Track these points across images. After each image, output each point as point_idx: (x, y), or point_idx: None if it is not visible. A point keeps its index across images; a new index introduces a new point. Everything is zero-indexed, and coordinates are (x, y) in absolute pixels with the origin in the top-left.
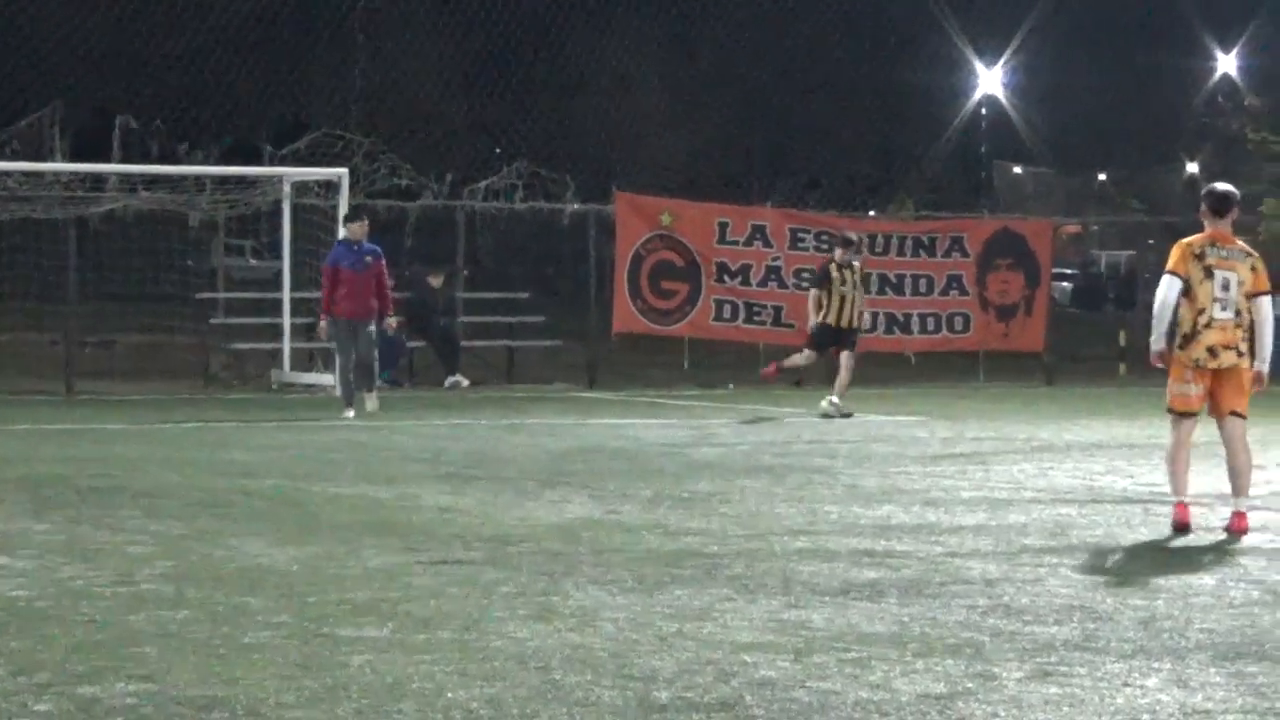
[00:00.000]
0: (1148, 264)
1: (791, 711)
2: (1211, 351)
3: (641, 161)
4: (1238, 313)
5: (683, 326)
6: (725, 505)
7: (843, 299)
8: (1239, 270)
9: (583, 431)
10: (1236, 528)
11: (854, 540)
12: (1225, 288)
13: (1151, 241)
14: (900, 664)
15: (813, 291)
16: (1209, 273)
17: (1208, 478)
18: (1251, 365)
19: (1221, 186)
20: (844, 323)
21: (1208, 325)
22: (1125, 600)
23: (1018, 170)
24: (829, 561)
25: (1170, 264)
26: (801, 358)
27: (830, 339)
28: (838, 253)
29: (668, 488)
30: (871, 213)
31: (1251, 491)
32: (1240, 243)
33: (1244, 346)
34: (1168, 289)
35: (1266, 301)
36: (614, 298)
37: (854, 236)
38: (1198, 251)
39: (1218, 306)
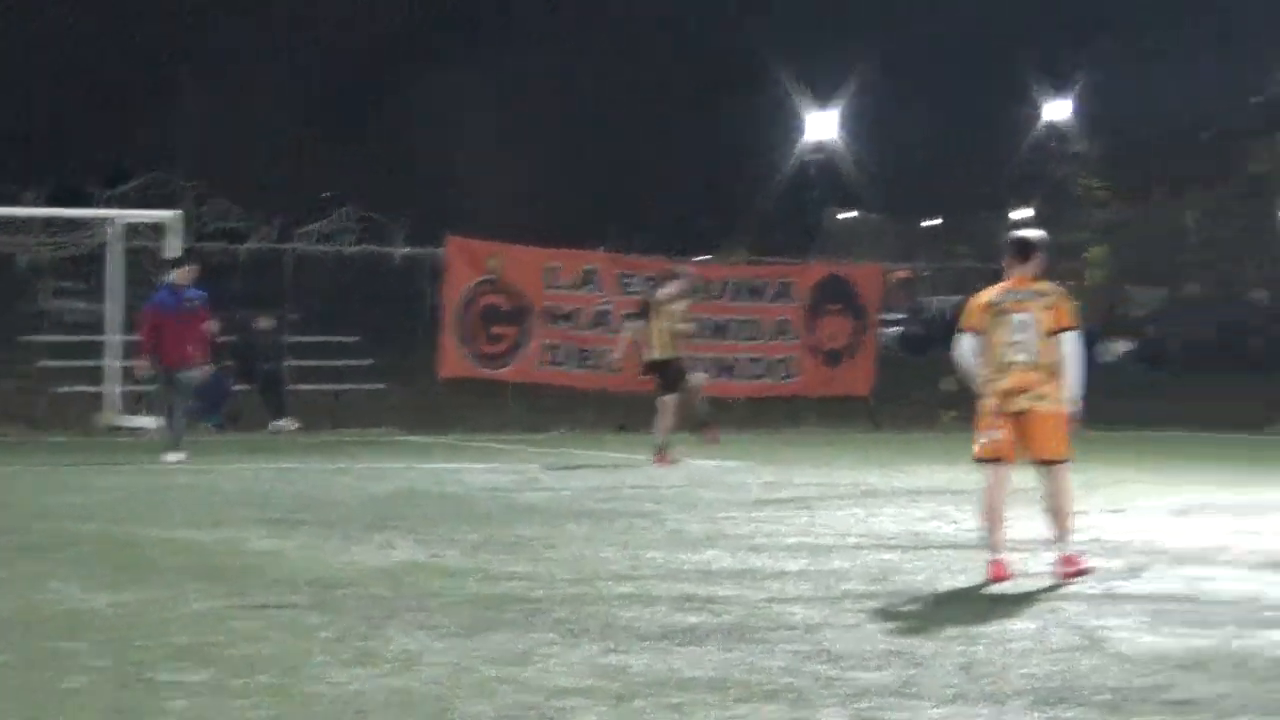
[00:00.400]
0: None
1: None
2: (1009, 396)
3: (472, 206)
4: (1037, 354)
5: (510, 370)
6: (549, 550)
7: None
8: (1034, 311)
9: (410, 475)
10: (1066, 572)
11: (677, 585)
12: (1021, 330)
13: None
14: (720, 709)
15: (631, 324)
16: (1004, 318)
17: (1031, 523)
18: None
19: (1024, 232)
20: (664, 354)
21: (1005, 369)
22: (945, 646)
23: (848, 216)
24: (651, 606)
25: (962, 322)
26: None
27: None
28: (673, 287)
29: (493, 532)
30: (701, 257)
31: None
32: (1042, 284)
33: (1047, 389)
34: (958, 348)
35: (1069, 338)
36: (441, 341)
37: (684, 273)
38: (993, 300)
39: (1012, 350)
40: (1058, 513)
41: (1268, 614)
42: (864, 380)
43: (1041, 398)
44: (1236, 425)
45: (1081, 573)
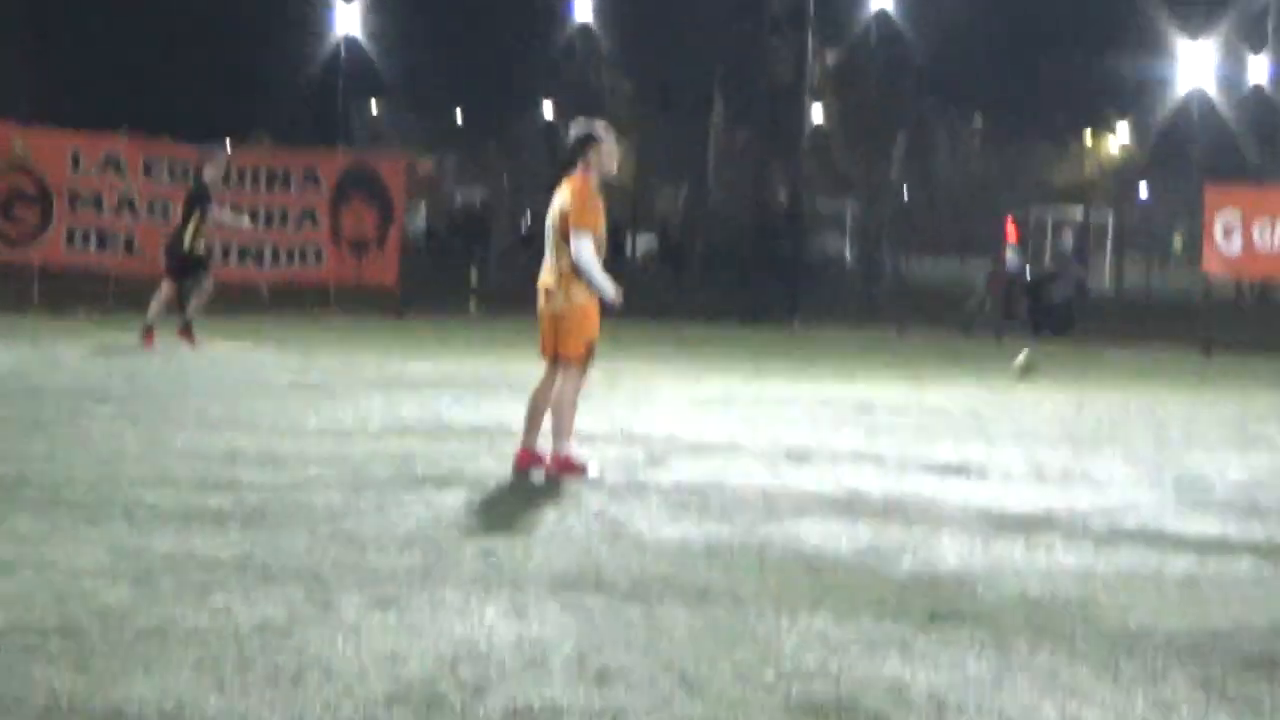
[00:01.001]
0: (501, 202)
1: (129, 638)
2: (541, 295)
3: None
4: (556, 254)
5: (34, 253)
6: (70, 431)
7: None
8: (557, 210)
9: None
10: (559, 472)
11: (200, 468)
12: (551, 230)
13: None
14: (241, 591)
15: (182, 210)
16: (550, 218)
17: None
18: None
19: (575, 129)
20: (200, 250)
21: (545, 269)
22: (467, 532)
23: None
24: (173, 488)
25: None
26: (198, 299)
27: (199, 266)
28: (207, 174)
29: (12, 413)
30: (227, 145)
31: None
32: (571, 182)
33: (561, 288)
34: (584, 250)
35: (576, 238)
36: None
37: (220, 152)
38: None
39: (547, 249)
40: (559, 412)
41: (785, 505)
42: (389, 270)
43: (556, 297)
44: (759, 321)
45: (575, 472)
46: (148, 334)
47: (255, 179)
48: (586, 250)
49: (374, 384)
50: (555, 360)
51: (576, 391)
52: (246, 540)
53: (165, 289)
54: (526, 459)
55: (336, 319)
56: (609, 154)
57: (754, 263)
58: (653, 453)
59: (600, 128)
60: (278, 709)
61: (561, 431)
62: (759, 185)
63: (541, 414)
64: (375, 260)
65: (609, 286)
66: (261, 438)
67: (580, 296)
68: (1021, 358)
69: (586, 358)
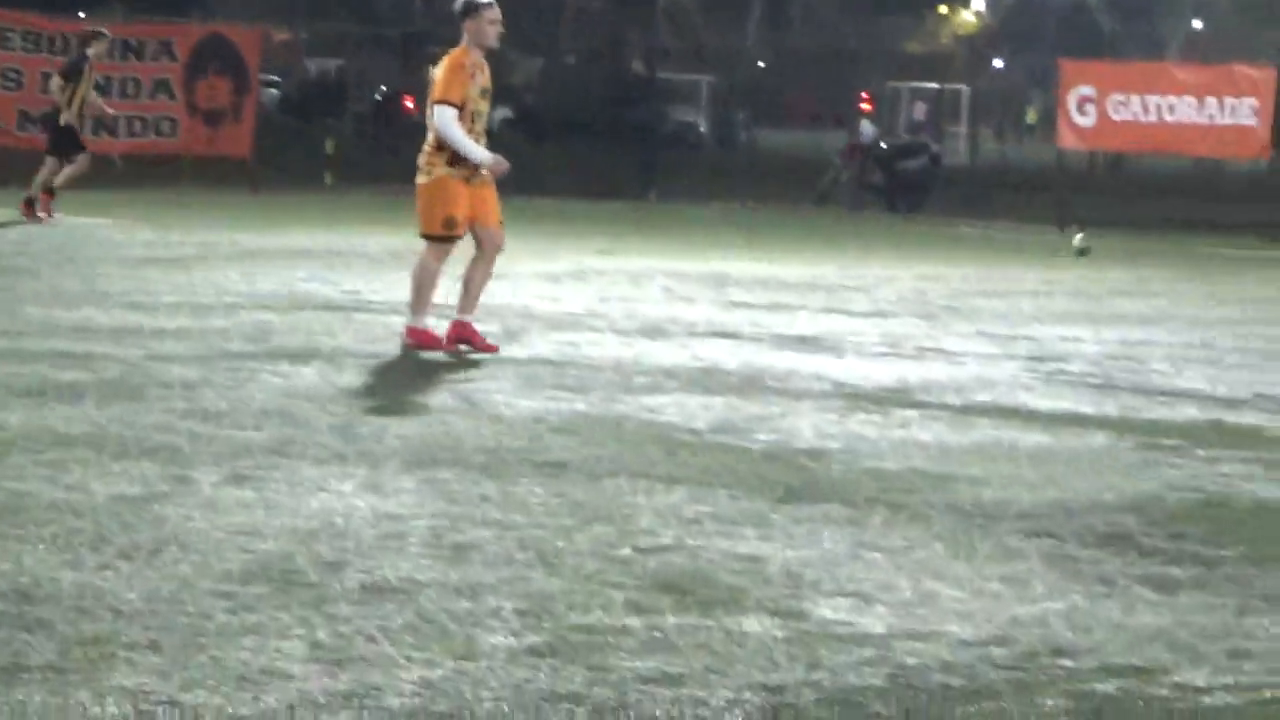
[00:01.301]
0: (357, 73)
1: None
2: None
3: None
4: (427, 128)
5: None
6: None
7: (84, 100)
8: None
9: None
10: (413, 343)
11: (53, 342)
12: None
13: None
14: (96, 466)
15: (59, 82)
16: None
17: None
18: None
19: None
20: (73, 121)
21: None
22: (323, 406)
23: None
24: (27, 363)
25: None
26: (71, 169)
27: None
28: (92, 50)
29: None
30: (80, 14)
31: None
32: (445, 57)
33: (423, 161)
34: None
35: (436, 110)
36: None
37: (106, 32)
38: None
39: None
40: (416, 286)
41: (639, 379)
42: (244, 142)
43: (419, 169)
44: (617, 194)
45: (430, 345)
46: (29, 206)
47: (110, 50)
48: (447, 123)
49: (229, 257)
50: (472, 233)
51: (437, 266)
52: (102, 415)
53: (50, 164)
54: (459, 329)
55: (191, 191)
56: (489, 24)
57: (610, 135)
58: (508, 327)
59: None
60: (134, 584)
61: (418, 305)
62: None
63: (470, 283)
64: (230, 132)
65: (483, 154)
66: (116, 312)
67: (439, 170)
68: (1079, 238)
69: (445, 232)
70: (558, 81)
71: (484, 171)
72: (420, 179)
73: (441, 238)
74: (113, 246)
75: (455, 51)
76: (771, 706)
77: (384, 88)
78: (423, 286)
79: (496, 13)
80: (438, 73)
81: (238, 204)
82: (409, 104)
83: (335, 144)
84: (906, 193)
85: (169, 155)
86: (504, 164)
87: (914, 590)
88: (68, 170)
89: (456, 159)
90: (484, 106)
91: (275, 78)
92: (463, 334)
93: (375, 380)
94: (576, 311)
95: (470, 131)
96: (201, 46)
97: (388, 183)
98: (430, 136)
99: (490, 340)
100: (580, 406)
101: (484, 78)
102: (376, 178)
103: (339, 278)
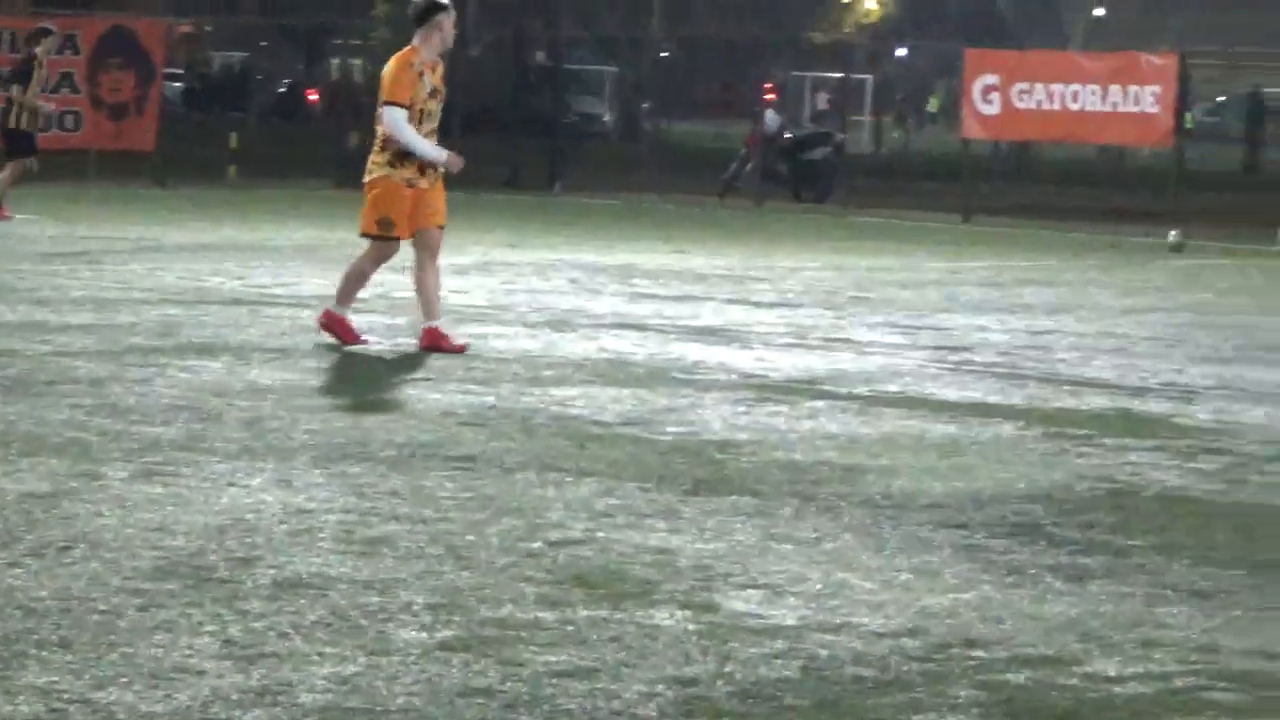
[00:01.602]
0: (260, 66)
1: None
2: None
3: None
4: (376, 128)
5: None
6: None
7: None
8: None
9: None
10: (325, 328)
11: None
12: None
13: (265, 44)
14: (4, 463)
15: (18, 88)
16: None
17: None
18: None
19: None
20: (25, 125)
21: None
22: (232, 401)
23: None
24: None
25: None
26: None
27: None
28: (39, 48)
29: None
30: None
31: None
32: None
33: (369, 162)
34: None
35: (384, 111)
36: None
37: (53, 29)
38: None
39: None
40: (345, 277)
41: (547, 372)
42: (148, 136)
43: (365, 171)
44: (522, 186)
45: (345, 336)
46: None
47: (12, 42)
48: (397, 122)
49: (135, 252)
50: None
51: (372, 265)
52: (9, 411)
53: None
54: (430, 336)
55: (96, 186)
56: (452, 27)
57: (514, 126)
58: (415, 321)
59: None
60: (44, 582)
61: (342, 295)
62: (518, 45)
63: (424, 289)
64: (134, 125)
65: (435, 152)
66: (21, 308)
67: (379, 171)
68: (1174, 234)
69: (380, 233)
70: (461, 73)
71: (435, 171)
72: (365, 178)
73: (377, 237)
74: (19, 241)
75: (403, 51)
76: (684, 700)
77: (287, 81)
78: (350, 281)
79: (454, 14)
80: (385, 73)
81: (143, 198)
82: (312, 97)
83: (239, 138)
84: (811, 183)
85: (74, 149)
86: (459, 160)
87: (825, 582)
88: (6, 174)
89: (399, 159)
90: (434, 106)
91: (180, 71)
92: (435, 340)
93: (283, 375)
94: (483, 304)
95: (420, 132)
96: (104, 39)
97: (292, 176)
98: (379, 135)
99: (459, 341)
100: (489, 400)
101: (433, 78)
102: (281, 172)
103: (245, 272)
